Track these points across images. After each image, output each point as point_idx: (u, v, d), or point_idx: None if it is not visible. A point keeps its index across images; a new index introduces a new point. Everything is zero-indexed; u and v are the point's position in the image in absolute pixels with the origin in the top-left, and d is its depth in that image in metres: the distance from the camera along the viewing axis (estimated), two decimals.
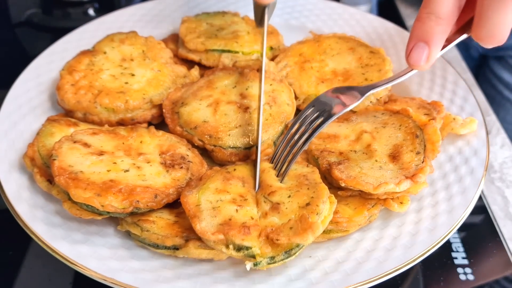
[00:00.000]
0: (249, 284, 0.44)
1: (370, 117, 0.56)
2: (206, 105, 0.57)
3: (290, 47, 0.67)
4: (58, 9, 0.91)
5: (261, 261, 0.43)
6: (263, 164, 0.50)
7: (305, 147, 0.48)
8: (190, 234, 0.45)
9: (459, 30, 0.46)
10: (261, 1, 0.47)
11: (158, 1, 0.80)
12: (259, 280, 0.44)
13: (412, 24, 0.44)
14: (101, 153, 0.50)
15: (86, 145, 0.50)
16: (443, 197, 0.51)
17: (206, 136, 0.54)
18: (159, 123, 0.60)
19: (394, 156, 0.50)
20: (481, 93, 0.77)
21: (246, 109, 0.55)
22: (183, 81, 0.62)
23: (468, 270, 0.53)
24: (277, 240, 0.42)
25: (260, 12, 0.51)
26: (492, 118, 0.73)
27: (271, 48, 0.68)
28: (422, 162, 0.49)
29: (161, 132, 0.55)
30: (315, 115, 0.49)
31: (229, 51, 0.64)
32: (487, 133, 0.58)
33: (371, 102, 0.59)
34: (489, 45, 0.41)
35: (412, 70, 0.48)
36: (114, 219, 0.49)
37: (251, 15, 0.72)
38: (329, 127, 0.56)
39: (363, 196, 0.49)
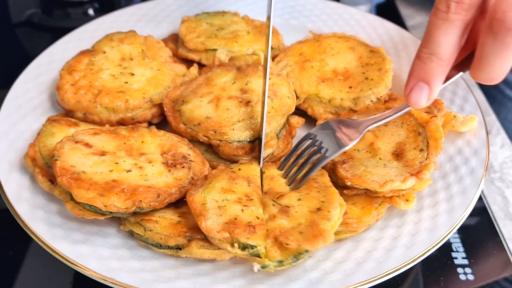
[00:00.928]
0: (249, 284, 0.44)
1: (371, 115, 0.56)
2: (207, 102, 0.57)
3: (290, 46, 0.67)
4: (58, 9, 0.91)
5: (269, 265, 0.43)
6: (271, 171, 0.51)
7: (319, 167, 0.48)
8: (193, 234, 0.45)
9: (456, 66, 0.46)
10: None
11: (158, 1, 0.80)
12: (258, 281, 0.44)
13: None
14: (102, 153, 0.50)
15: (87, 145, 0.50)
16: (443, 197, 0.51)
17: (210, 132, 0.54)
18: (160, 122, 0.60)
19: (398, 154, 0.51)
20: (481, 93, 0.77)
21: (247, 103, 0.55)
22: (183, 80, 0.62)
23: (468, 270, 0.53)
24: (287, 244, 0.42)
25: None
26: (492, 118, 0.73)
27: (271, 48, 0.68)
28: (426, 159, 0.49)
29: (162, 132, 0.55)
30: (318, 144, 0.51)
31: (229, 52, 0.65)
32: (487, 133, 0.58)
33: (371, 101, 0.60)
34: (486, 84, 0.42)
35: (409, 106, 0.47)
36: (115, 219, 0.49)
37: (251, 15, 0.72)
38: None
39: (369, 195, 0.49)
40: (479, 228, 0.57)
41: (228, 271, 0.45)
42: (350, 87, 0.60)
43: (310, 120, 0.61)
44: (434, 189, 0.52)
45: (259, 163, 0.52)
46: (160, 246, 0.46)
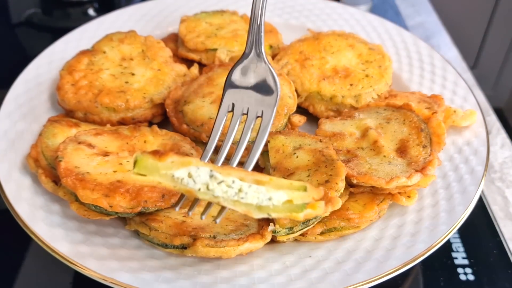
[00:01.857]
0: (250, 283, 0.44)
1: (373, 113, 0.57)
2: (210, 102, 0.57)
3: (290, 45, 0.67)
4: (58, 9, 0.91)
5: (279, 231, 0.44)
6: (276, 141, 0.52)
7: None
8: (198, 233, 0.45)
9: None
10: None
11: (158, 1, 0.79)
12: (259, 280, 0.44)
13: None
14: (106, 154, 0.50)
15: (90, 146, 0.51)
16: (443, 196, 0.51)
17: None
18: (160, 122, 0.60)
19: (402, 151, 0.51)
20: (481, 93, 0.77)
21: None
22: (183, 80, 0.62)
23: (468, 270, 0.52)
24: None
25: None
26: (492, 118, 0.73)
27: (271, 47, 0.68)
28: (429, 155, 0.49)
29: (164, 131, 0.55)
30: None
31: (229, 51, 0.64)
32: (488, 133, 0.58)
33: (372, 98, 0.60)
34: None
35: None
36: (116, 220, 0.49)
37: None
38: (333, 125, 0.56)
39: (374, 192, 0.49)
40: (479, 228, 0.57)
41: (229, 270, 0.45)
42: (351, 85, 0.60)
43: (311, 118, 0.61)
44: (435, 188, 0.52)
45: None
46: (165, 245, 0.46)
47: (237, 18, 0.71)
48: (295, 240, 0.48)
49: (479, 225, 0.58)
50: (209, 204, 0.41)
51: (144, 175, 0.37)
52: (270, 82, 0.46)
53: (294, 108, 0.58)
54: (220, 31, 0.67)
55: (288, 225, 0.45)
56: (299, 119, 0.59)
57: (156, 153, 0.37)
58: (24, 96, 0.62)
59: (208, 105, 0.56)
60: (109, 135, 0.53)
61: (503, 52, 1.26)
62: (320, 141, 0.51)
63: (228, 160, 0.45)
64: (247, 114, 0.46)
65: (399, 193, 0.49)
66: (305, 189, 0.37)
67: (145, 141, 0.53)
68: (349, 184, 0.50)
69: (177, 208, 0.41)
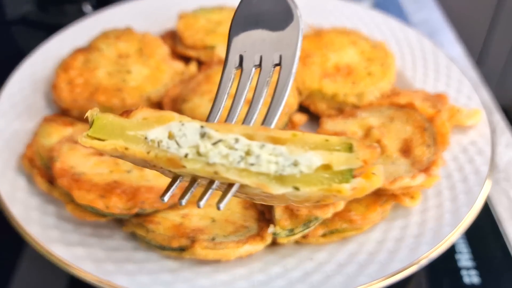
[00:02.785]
0: (249, 287, 0.43)
1: (376, 112, 0.56)
2: (209, 100, 0.55)
3: None
4: (54, 6, 0.90)
5: (280, 233, 0.42)
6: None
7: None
8: (196, 234, 0.44)
9: None
10: None
11: None
12: (259, 283, 0.43)
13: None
14: (102, 154, 0.49)
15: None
16: (448, 197, 0.50)
17: None
18: None
19: (405, 151, 0.50)
20: (486, 91, 0.75)
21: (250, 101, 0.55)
22: (181, 78, 0.61)
23: (472, 272, 0.52)
24: (297, 210, 0.40)
25: None
26: (497, 117, 0.72)
27: None
28: (434, 154, 0.49)
29: None
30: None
31: None
32: (492, 132, 0.56)
33: (375, 96, 0.59)
34: None
35: None
36: (113, 221, 0.48)
37: None
38: (335, 124, 0.55)
39: (377, 193, 0.48)
40: (483, 230, 0.56)
41: (228, 273, 0.45)
42: (353, 83, 0.59)
43: (313, 117, 0.60)
44: (439, 189, 0.51)
45: None
46: (163, 248, 0.45)
47: None
48: (296, 242, 0.48)
49: (483, 226, 0.57)
50: (209, 186, 0.27)
51: (102, 140, 0.25)
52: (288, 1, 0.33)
53: (295, 107, 0.57)
54: (219, 27, 0.66)
55: (288, 227, 0.44)
56: (300, 118, 0.58)
57: (123, 113, 0.27)
58: (18, 94, 0.61)
59: (207, 103, 0.56)
60: None
61: (508, 49, 1.24)
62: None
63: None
64: (260, 65, 0.33)
65: (403, 194, 0.48)
66: (349, 148, 0.24)
67: None
68: None
69: (165, 199, 0.28)
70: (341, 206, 0.40)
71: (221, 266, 0.45)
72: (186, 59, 0.65)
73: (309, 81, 0.60)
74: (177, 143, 0.26)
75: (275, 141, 0.25)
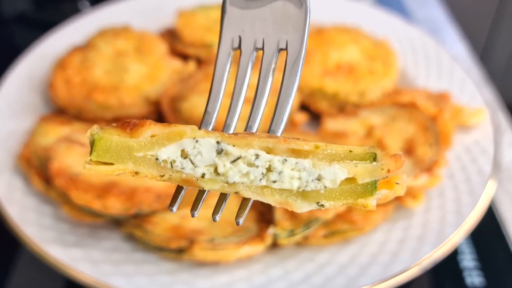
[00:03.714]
0: None
1: (377, 110, 0.55)
2: None
3: None
4: (51, 4, 0.89)
5: (280, 233, 0.41)
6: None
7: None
8: (195, 235, 0.43)
9: None
10: None
11: None
12: (259, 285, 0.43)
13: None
14: None
15: (83, 145, 0.49)
16: (451, 197, 0.49)
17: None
18: (156, 120, 0.59)
19: (408, 150, 0.50)
20: (489, 90, 0.74)
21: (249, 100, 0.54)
22: (180, 76, 0.60)
23: (474, 273, 0.51)
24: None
25: None
26: (500, 116, 0.71)
27: None
28: (437, 154, 0.48)
29: None
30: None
31: None
32: (496, 132, 0.56)
33: (376, 95, 0.58)
34: None
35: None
36: (111, 222, 0.48)
37: None
38: (336, 123, 0.55)
39: None
40: (486, 230, 0.55)
41: (228, 275, 0.44)
42: (355, 81, 0.58)
43: (314, 116, 0.59)
44: (441, 189, 0.50)
45: None
46: (161, 249, 0.44)
47: None
48: (297, 243, 0.47)
49: (486, 227, 0.56)
50: (222, 199, 0.25)
51: (110, 164, 0.22)
52: None
53: (296, 105, 0.56)
54: (218, 25, 0.65)
55: (289, 228, 0.43)
56: (301, 117, 0.57)
57: (125, 125, 0.23)
58: (15, 93, 0.61)
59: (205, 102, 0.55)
60: None
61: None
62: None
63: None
64: (263, 48, 0.28)
65: (405, 194, 0.47)
66: (373, 158, 0.23)
67: None
68: None
69: (173, 209, 0.26)
70: (341, 208, 0.39)
71: (221, 267, 0.44)
72: (185, 57, 0.64)
73: (310, 80, 0.59)
74: (192, 162, 0.23)
75: (297, 154, 0.23)
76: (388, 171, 0.23)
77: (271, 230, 0.44)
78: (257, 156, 0.23)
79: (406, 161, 0.49)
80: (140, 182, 0.46)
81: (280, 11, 0.28)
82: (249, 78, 0.29)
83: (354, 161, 0.23)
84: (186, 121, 0.55)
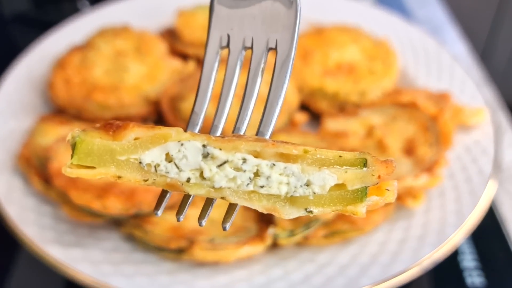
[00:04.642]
0: None
1: (378, 110, 0.55)
2: None
3: None
4: (51, 3, 0.89)
5: (280, 233, 0.41)
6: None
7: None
8: (195, 236, 0.43)
9: None
10: None
11: None
12: (259, 286, 0.43)
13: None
14: None
15: None
16: (451, 197, 0.49)
17: None
18: (156, 120, 0.58)
19: (408, 150, 0.50)
20: (490, 89, 0.74)
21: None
22: (180, 76, 0.60)
23: (475, 274, 0.51)
24: None
25: None
26: (500, 116, 0.70)
27: None
28: (437, 154, 0.48)
29: None
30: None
31: None
32: (496, 131, 0.55)
33: (376, 95, 0.58)
34: None
35: None
36: (110, 222, 0.47)
37: None
38: (336, 123, 0.54)
39: None
40: (486, 230, 0.55)
41: (228, 275, 0.44)
42: (355, 81, 0.58)
43: (314, 116, 0.59)
44: (442, 189, 0.50)
45: None
46: (161, 249, 0.44)
47: None
48: (297, 244, 0.47)
49: (486, 227, 0.56)
50: (208, 203, 0.25)
51: (91, 168, 0.22)
52: None
53: (296, 106, 0.56)
54: None
55: (289, 228, 0.43)
56: (301, 117, 0.57)
57: (108, 127, 0.22)
58: (14, 93, 0.61)
59: None
60: None
61: None
62: (321, 140, 0.50)
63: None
64: (252, 47, 0.27)
65: (405, 194, 0.47)
66: (363, 163, 0.22)
67: None
68: None
69: (158, 213, 0.25)
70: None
71: (220, 268, 0.44)
72: (185, 57, 0.64)
73: (310, 79, 0.59)
74: (177, 166, 0.23)
75: (286, 158, 0.23)
76: (379, 177, 0.23)
77: (271, 230, 0.44)
78: (244, 160, 0.23)
79: (407, 161, 0.49)
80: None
81: (269, 9, 0.28)
82: (238, 77, 0.29)
83: (344, 167, 0.23)
84: (186, 120, 0.54)
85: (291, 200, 0.23)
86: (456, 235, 0.45)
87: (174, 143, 0.23)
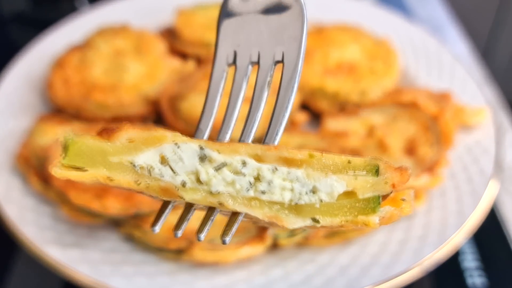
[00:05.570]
0: None
1: (378, 110, 0.55)
2: None
3: None
4: (49, 3, 0.89)
5: (279, 234, 0.41)
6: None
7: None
8: (194, 236, 0.43)
9: None
10: None
11: None
12: (259, 286, 0.42)
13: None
14: None
15: None
16: (452, 198, 0.49)
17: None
18: (155, 119, 0.58)
19: (409, 150, 0.50)
20: (491, 89, 0.74)
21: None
22: (180, 75, 0.60)
23: (476, 274, 0.51)
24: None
25: None
26: (501, 116, 0.70)
27: None
28: (437, 154, 0.48)
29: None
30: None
31: None
32: (498, 131, 0.55)
33: (377, 95, 0.58)
34: None
35: None
36: (109, 222, 0.47)
37: None
38: (337, 123, 0.54)
39: None
40: (487, 231, 0.55)
41: (227, 276, 0.44)
42: (356, 80, 0.58)
43: (314, 116, 0.59)
44: (443, 189, 0.50)
45: None
46: (161, 250, 0.44)
47: None
48: (297, 244, 0.46)
49: (487, 227, 0.55)
50: (209, 214, 0.23)
51: (82, 169, 0.20)
52: None
53: (297, 105, 0.55)
54: None
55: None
56: (301, 117, 0.57)
57: (103, 132, 0.21)
58: (13, 92, 0.60)
59: None
60: None
61: None
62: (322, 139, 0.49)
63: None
64: (258, 62, 0.27)
65: None
66: (375, 170, 0.20)
67: None
68: None
69: (156, 229, 0.24)
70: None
71: (220, 268, 0.44)
72: (184, 56, 0.64)
73: (311, 79, 0.59)
74: (172, 169, 0.21)
75: (289, 163, 0.21)
76: (393, 185, 0.20)
77: (271, 231, 0.43)
78: (244, 163, 0.21)
79: (407, 161, 0.48)
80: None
81: (276, 22, 0.28)
82: (244, 94, 0.28)
83: (354, 173, 0.20)
84: (186, 120, 0.54)
85: (296, 208, 0.21)
86: (457, 236, 0.45)
87: (169, 145, 0.22)
